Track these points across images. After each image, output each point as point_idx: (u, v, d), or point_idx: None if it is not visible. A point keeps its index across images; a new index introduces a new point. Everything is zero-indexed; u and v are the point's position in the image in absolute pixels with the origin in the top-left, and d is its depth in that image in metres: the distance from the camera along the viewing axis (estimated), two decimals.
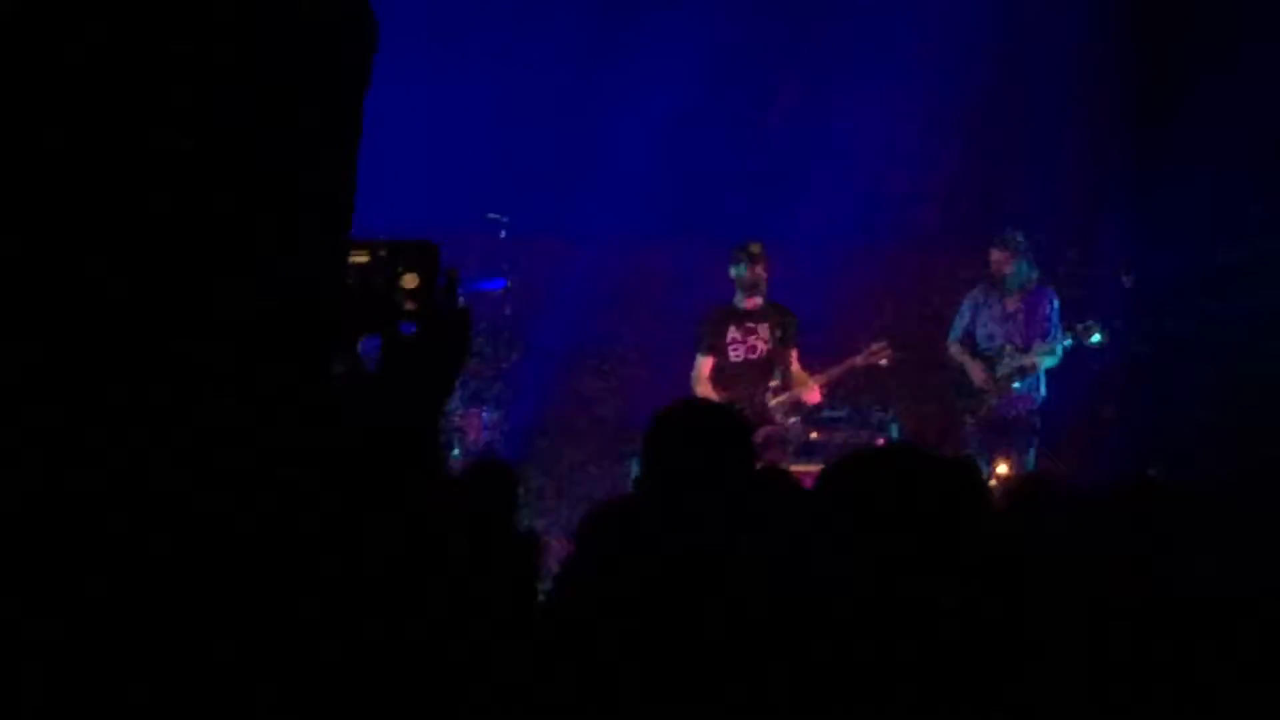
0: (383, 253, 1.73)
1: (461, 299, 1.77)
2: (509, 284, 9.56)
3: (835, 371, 8.74)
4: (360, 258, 1.72)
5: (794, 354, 8.68)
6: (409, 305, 1.71)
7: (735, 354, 8.64)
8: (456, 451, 9.06)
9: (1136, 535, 2.89)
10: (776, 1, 10.33)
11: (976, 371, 8.90)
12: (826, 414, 9.15)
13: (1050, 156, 10.07)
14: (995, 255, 8.87)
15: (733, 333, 8.65)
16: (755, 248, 8.61)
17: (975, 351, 8.96)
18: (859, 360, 8.73)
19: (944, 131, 10.13)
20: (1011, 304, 8.89)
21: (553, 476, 9.42)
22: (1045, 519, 3.43)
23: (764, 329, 8.63)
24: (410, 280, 1.72)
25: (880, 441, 9.08)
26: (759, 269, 8.58)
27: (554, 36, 10.20)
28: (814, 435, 9.01)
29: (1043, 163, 10.06)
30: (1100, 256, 10.46)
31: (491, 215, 9.53)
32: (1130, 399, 10.07)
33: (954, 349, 9.03)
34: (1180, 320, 9.78)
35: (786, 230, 9.49)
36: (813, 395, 8.59)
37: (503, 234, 9.54)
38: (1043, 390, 8.91)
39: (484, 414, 9.37)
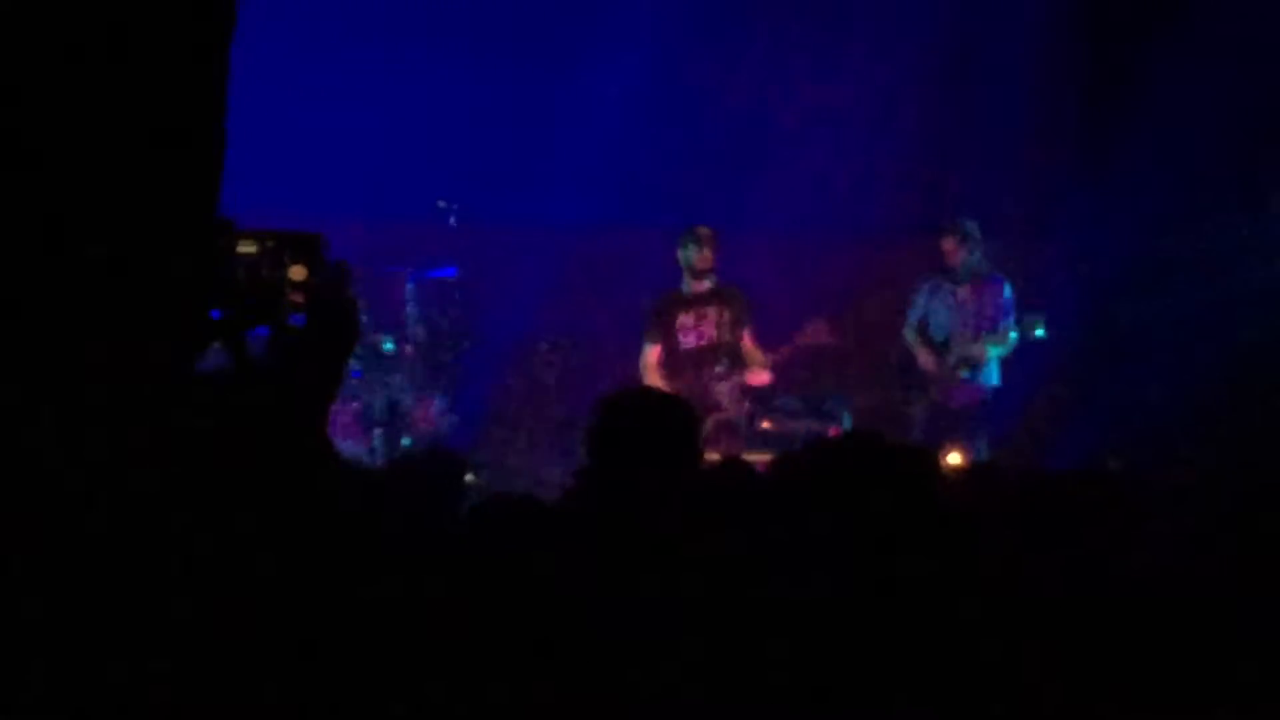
0: (270, 243, 1.72)
1: (350, 291, 1.77)
2: (459, 272, 9.51)
3: (780, 354, 8.66)
4: (248, 248, 1.70)
5: (747, 334, 8.59)
6: (296, 297, 1.71)
7: (686, 340, 8.56)
8: (408, 440, 9.02)
9: (1089, 529, 2.90)
10: None
11: (927, 359, 8.90)
12: (779, 402, 9.13)
13: (1003, 142, 10.09)
14: (946, 244, 8.88)
15: (682, 318, 8.57)
16: (703, 231, 8.54)
17: (928, 340, 8.97)
18: (799, 340, 8.65)
19: (897, 118, 10.14)
20: (963, 293, 8.89)
21: (503, 466, 9.37)
22: (994, 511, 3.42)
23: (713, 312, 8.56)
24: (298, 272, 1.71)
25: (833, 431, 9.08)
26: (707, 253, 8.50)
27: (505, 22, 10.16)
28: (766, 425, 8.98)
29: (995, 149, 10.08)
30: (1053, 244, 10.51)
31: (441, 203, 9.47)
32: (1087, 387, 10.10)
33: (909, 336, 9.03)
34: (1135, 307, 9.82)
35: (739, 217, 9.48)
36: (759, 378, 8.52)
37: (452, 221, 9.49)
38: (994, 379, 8.92)
39: (435, 402, 9.32)
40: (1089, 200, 10.37)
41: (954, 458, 8.89)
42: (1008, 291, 8.91)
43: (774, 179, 10.09)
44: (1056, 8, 10.25)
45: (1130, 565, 3.01)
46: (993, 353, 8.85)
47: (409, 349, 9.34)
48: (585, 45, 9.96)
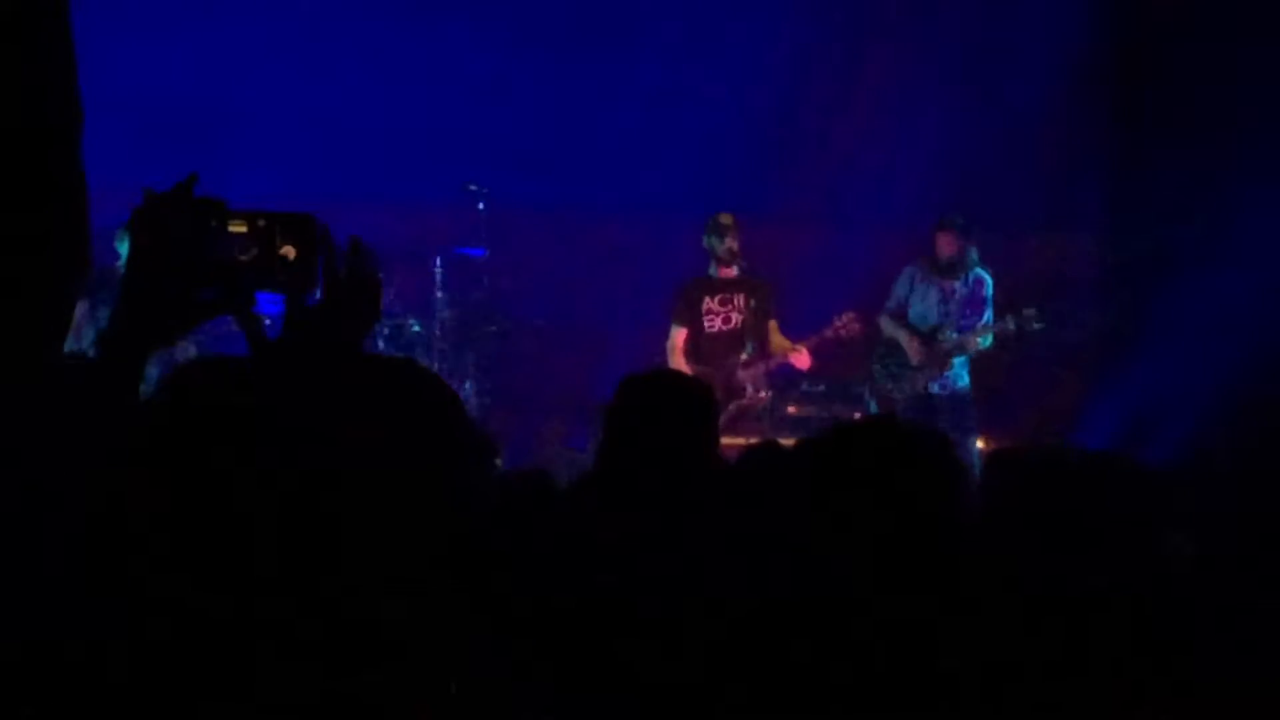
0: (261, 224, 1.75)
1: (370, 267, 1.80)
2: (487, 254, 9.54)
3: (809, 344, 8.68)
4: (239, 228, 1.74)
5: (773, 324, 8.65)
6: (286, 277, 1.75)
7: (711, 325, 8.62)
8: None
9: (1112, 518, 2.90)
10: None
11: (914, 347, 8.86)
12: (804, 388, 9.15)
13: (1023, 132, 10.07)
14: (943, 238, 8.84)
15: (709, 303, 8.63)
16: (726, 219, 8.59)
17: (912, 328, 8.94)
18: (828, 333, 8.67)
19: (924, 107, 10.13)
20: (950, 286, 8.88)
21: (529, 448, 9.40)
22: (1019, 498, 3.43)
23: (740, 299, 8.61)
24: (288, 252, 1.74)
25: (858, 416, 9.10)
26: (731, 240, 8.55)
27: (540, 6, 10.17)
28: (791, 409, 9.01)
29: (1016, 139, 10.06)
30: (1071, 234, 10.50)
31: (471, 186, 9.51)
32: (1100, 378, 10.11)
33: (887, 323, 8.97)
34: (1153, 298, 9.80)
35: (766, 203, 9.49)
36: (802, 360, 8.54)
37: (481, 206, 9.52)
38: (965, 379, 8.90)
39: (462, 385, 9.36)
40: (1111, 191, 10.37)
41: (980, 442, 8.92)
42: (990, 287, 8.90)
43: (805, 167, 10.10)
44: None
45: (1152, 557, 3.01)
46: (985, 343, 8.82)
47: (437, 331, 9.39)
48: (618, 30, 9.99)
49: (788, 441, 6.86)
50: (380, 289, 1.80)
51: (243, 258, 1.73)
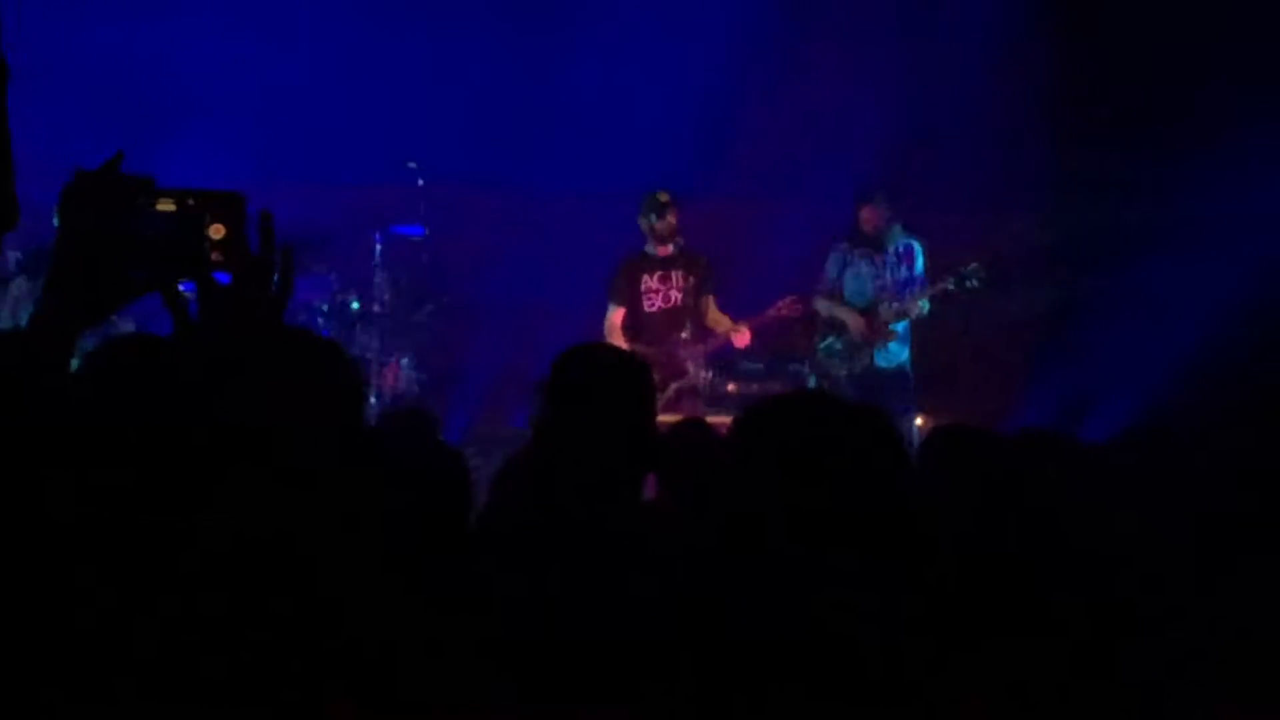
0: (190, 202, 1.76)
1: (283, 241, 1.81)
2: (426, 232, 9.52)
3: (751, 323, 8.71)
4: (167, 207, 1.75)
5: (712, 300, 8.64)
6: (216, 255, 1.76)
7: (650, 304, 8.59)
8: (374, 399, 9.04)
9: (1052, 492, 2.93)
10: None
11: (855, 322, 8.90)
12: (743, 366, 9.17)
13: (962, 111, 10.13)
14: (868, 212, 8.88)
15: (647, 281, 8.59)
16: (663, 196, 8.54)
17: (849, 305, 8.99)
18: (771, 313, 8.70)
19: (859, 87, 10.17)
20: (880, 259, 8.94)
21: (470, 427, 9.39)
22: (964, 474, 3.45)
23: (678, 277, 8.58)
24: (217, 230, 1.75)
25: None
26: (669, 217, 8.51)
27: None
28: (730, 387, 9.03)
29: (955, 118, 10.13)
30: (1011, 212, 10.57)
31: (410, 163, 9.47)
32: (1040, 356, 10.20)
33: (822, 303, 9.01)
34: (1092, 276, 9.90)
35: (705, 183, 9.50)
36: (742, 338, 8.55)
37: (420, 182, 9.49)
38: (905, 355, 8.96)
39: (401, 363, 9.34)
40: (1051, 169, 10.45)
41: (919, 420, 8.97)
42: (920, 253, 8.96)
43: (745, 148, 10.12)
44: None
45: (1092, 535, 3.04)
46: (923, 308, 8.87)
47: (376, 308, 9.35)
48: (558, 9, 9.96)
49: (724, 419, 6.91)
50: (293, 264, 1.81)
51: (171, 236, 1.74)
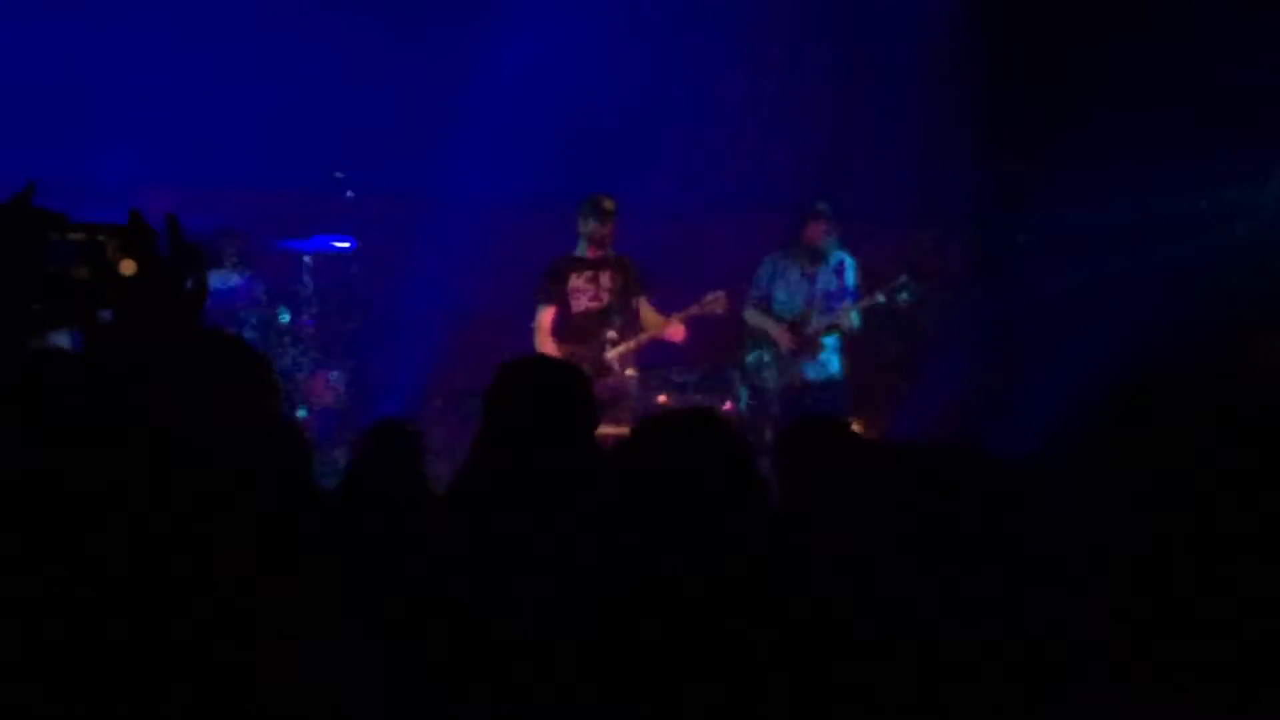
0: (100, 238, 1.75)
1: (191, 244, 1.81)
2: (356, 244, 9.48)
3: (676, 318, 8.67)
4: (78, 241, 1.74)
5: (643, 300, 8.62)
6: (123, 291, 1.74)
7: (577, 303, 8.57)
8: (303, 411, 8.99)
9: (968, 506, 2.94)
10: None
11: (783, 335, 8.95)
12: (675, 377, 9.18)
13: (900, 121, 10.19)
14: (814, 226, 8.95)
15: (574, 280, 8.58)
16: (609, 203, 8.53)
17: (778, 317, 9.03)
18: (695, 309, 8.67)
19: (794, 95, 10.22)
20: (813, 271, 9.00)
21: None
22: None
23: (605, 277, 8.57)
24: (128, 266, 1.74)
25: (728, 405, 9.15)
26: (609, 224, 8.52)
27: None
28: (662, 399, 9.04)
29: (894, 127, 10.19)
30: (938, 225, 10.66)
31: (338, 174, 9.43)
32: (965, 367, 10.29)
33: (753, 314, 9.06)
34: (1019, 287, 9.98)
35: (637, 191, 9.51)
36: (677, 332, 8.52)
37: (349, 194, 9.45)
38: (837, 364, 9.01)
39: (329, 375, 9.29)
40: (979, 182, 10.54)
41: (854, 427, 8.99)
42: (853, 269, 9.04)
43: (674, 155, 10.13)
44: None
45: (1007, 550, 3.05)
46: (854, 320, 8.94)
47: (305, 320, 9.30)
48: (485, 17, 9.94)
49: None
50: (204, 267, 1.80)
51: (80, 272, 1.72)
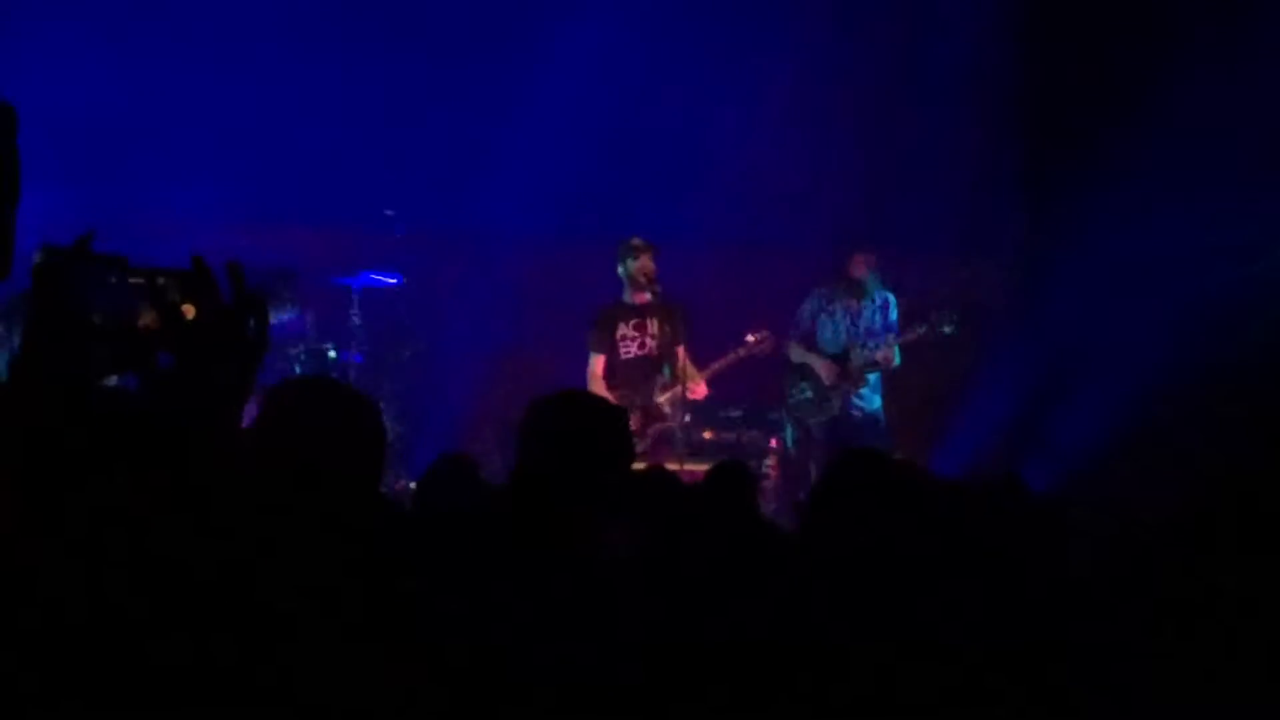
0: (161, 280, 1.77)
1: (252, 287, 1.82)
2: (404, 280, 9.54)
3: (718, 366, 8.73)
4: (138, 284, 1.76)
5: (681, 349, 8.58)
6: (183, 335, 1.76)
7: (626, 351, 8.58)
8: None
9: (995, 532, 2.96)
10: (666, 4, 10.35)
11: (827, 370, 8.96)
12: (720, 414, 9.19)
13: (943, 156, 10.19)
14: (859, 261, 8.97)
15: (622, 329, 8.58)
16: (639, 242, 8.55)
17: (822, 352, 9.05)
18: (741, 352, 8.72)
19: (836, 130, 10.24)
20: (858, 307, 9.02)
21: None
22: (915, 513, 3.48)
23: (653, 324, 8.57)
24: (188, 310, 1.76)
25: (773, 442, 9.16)
26: (646, 263, 8.51)
27: (459, 36, 10.19)
28: (707, 435, 9.05)
29: (937, 162, 10.20)
30: (982, 260, 10.64)
31: (389, 212, 9.52)
32: (1011, 402, 10.27)
33: (796, 350, 9.08)
34: (1065, 322, 9.95)
35: (681, 229, 9.55)
36: (698, 390, 8.54)
37: (398, 231, 9.54)
38: (878, 402, 9.03)
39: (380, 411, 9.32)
40: (1024, 217, 10.53)
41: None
42: (895, 307, 9.06)
43: (716, 191, 10.17)
44: (996, 26, 10.35)
45: (1050, 580, 3.06)
46: (895, 359, 8.97)
47: (354, 356, 9.36)
48: (532, 61, 10.02)
49: (701, 466, 6.93)
50: (266, 314, 1.82)
51: (142, 316, 1.74)
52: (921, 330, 8.92)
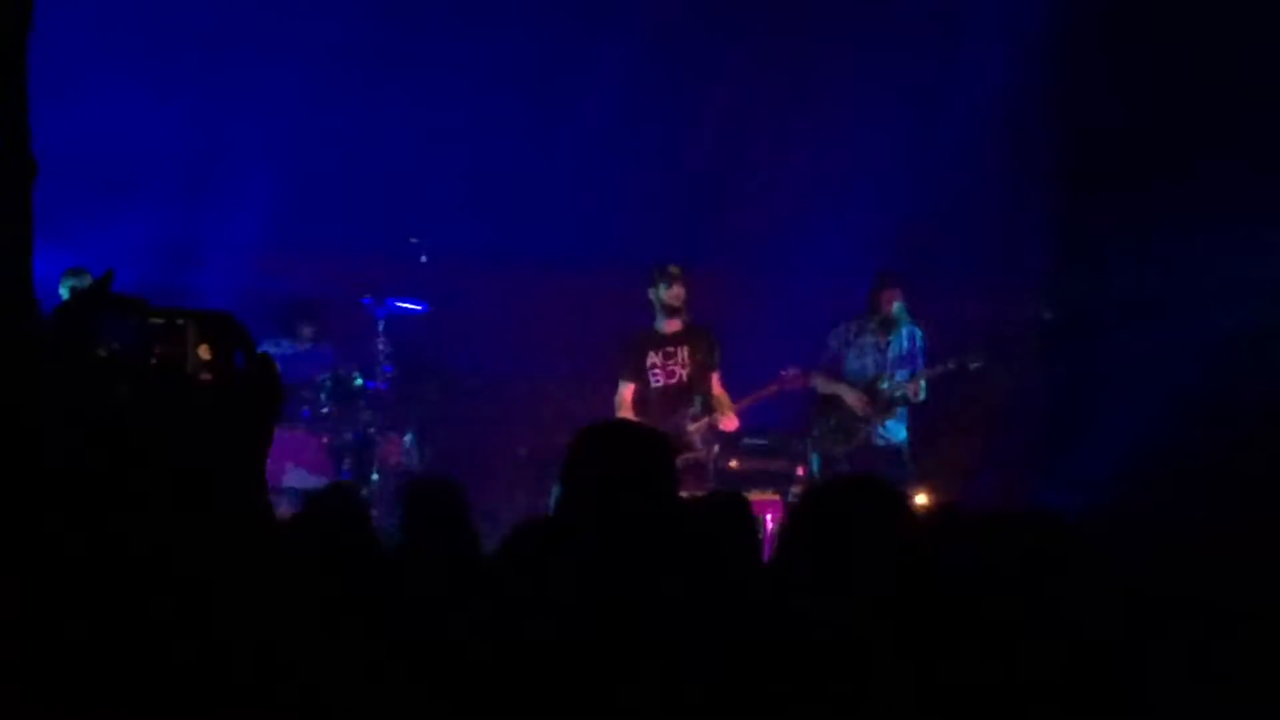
0: (180, 321, 1.78)
1: (264, 353, 1.84)
2: (429, 308, 9.54)
3: (750, 399, 8.72)
4: (158, 325, 1.76)
5: (715, 377, 8.59)
6: (205, 375, 1.77)
7: (656, 379, 8.53)
8: (376, 476, 9.02)
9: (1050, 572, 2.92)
10: (701, 30, 10.36)
11: (855, 399, 8.93)
12: (746, 441, 9.16)
13: (963, 185, 10.17)
14: (889, 294, 8.93)
15: (652, 358, 8.54)
16: (674, 269, 8.51)
17: (848, 382, 9.02)
18: (774, 387, 8.72)
19: (863, 161, 10.21)
20: (885, 338, 8.99)
21: (473, 504, 9.36)
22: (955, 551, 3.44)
23: (684, 353, 8.53)
24: (205, 351, 1.76)
25: (800, 470, 9.12)
26: (678, 289, 8.47)
27: (486, 64, 10.21)
28: (734, 464, 9.02)
29: (963, 195, 10.17)
30: (1010, 288, 10.60)
31: (413, 239, 9.52)
32: (1040, 431, 10.22)
33: (820, 380, 9.04)
34: (1095, 350, 9.90)
35: (708, 256, 9.54)
36: (729, 423, 8.51)
37: (423, 258, 9.53)
38: (903, 433, 9.00)
39: (404, 439, 9.33)
40: (1052, 244, 10.48)
41: (921, 498, 8.95)
42: (922, 339, 9.03)
43: (746, 219, 10.17)
44: (1028, 53, 10.32)
45: (1088, 611, 3.03)
46: (919, 395, 8.96)
47: (380, 385, 9.35)
48: (560, 88, 10.04)
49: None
50: (280, 394, 1.82)
51: (159, 355, 1.76)
52: (950, 366, 8.91)
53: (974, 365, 8.89)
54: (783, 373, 8.73)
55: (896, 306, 8.94)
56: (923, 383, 8.94)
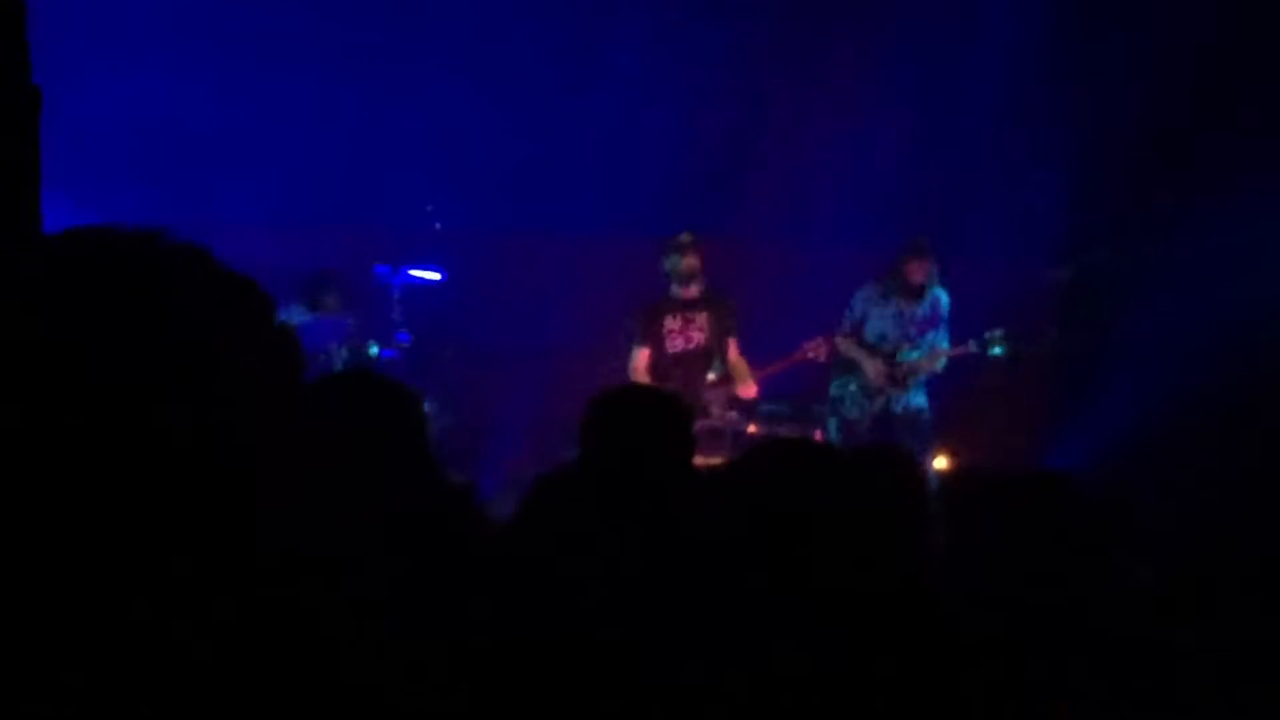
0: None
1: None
2: (446, 276, 9.54)
3: (771, 369, 8.73)
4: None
5: (733, 343, 8.58)
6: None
7: (673, 345, 8.53)
8: None
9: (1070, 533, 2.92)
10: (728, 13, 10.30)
11: (875, 367, 8.92)
12: (764, 408, 9.16)
13: (986, 151, 10.12)
14: (917, 264, 8.88)
15: (669, 323, 8.53)
16: (686, 237, 8.49)
17: (870, 347, 9.00)
18: (796, 357, 8.73)
19: (881, 129, 10.17)
20: (910, 305, 8.96)
21: (489, 472, 9.39)
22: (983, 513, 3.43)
23: (702, 318, 8.53)
24: None
25: (817, 435, 9.13)
26: (691, 259, 8.46)
27: (499, 36, 10.17)
28: (751, 429, 9.02)
29: (979, 158, 10.13)
30: (1032, 256, 10.58)
31: (429, 208, 9.53)
32: (1060, 399, 10.19)
33: (843, 343, 9.03)
34: (1114, 320, 9.87)
35: (726, 225, 9.53)
36: (748, 390, 8.50)
37: (438, 226, 9.54)
38: (923, 399, 8.99)
39: (423, 406, 9.32)
40: (1072, 214, 10.44)
41: (940, 461, 8.96)
42: (946, 304, 9.00)
43: (763, 187, 10.14)
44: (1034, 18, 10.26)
45: (1108, 581, 3.02)
46: (941, 363, 8.95)
47: (395, 354, 9.37)
48: (577, 57, 10.01)
49: None
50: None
51: None
52: (972, 348, 8.90)
53: (995, 352, 8.91)
54: (805, 344, 8.72)
55: (929, 274, 8.91)
56: (937, 362, 8.94)
